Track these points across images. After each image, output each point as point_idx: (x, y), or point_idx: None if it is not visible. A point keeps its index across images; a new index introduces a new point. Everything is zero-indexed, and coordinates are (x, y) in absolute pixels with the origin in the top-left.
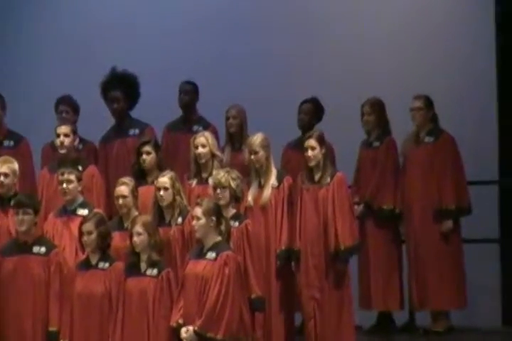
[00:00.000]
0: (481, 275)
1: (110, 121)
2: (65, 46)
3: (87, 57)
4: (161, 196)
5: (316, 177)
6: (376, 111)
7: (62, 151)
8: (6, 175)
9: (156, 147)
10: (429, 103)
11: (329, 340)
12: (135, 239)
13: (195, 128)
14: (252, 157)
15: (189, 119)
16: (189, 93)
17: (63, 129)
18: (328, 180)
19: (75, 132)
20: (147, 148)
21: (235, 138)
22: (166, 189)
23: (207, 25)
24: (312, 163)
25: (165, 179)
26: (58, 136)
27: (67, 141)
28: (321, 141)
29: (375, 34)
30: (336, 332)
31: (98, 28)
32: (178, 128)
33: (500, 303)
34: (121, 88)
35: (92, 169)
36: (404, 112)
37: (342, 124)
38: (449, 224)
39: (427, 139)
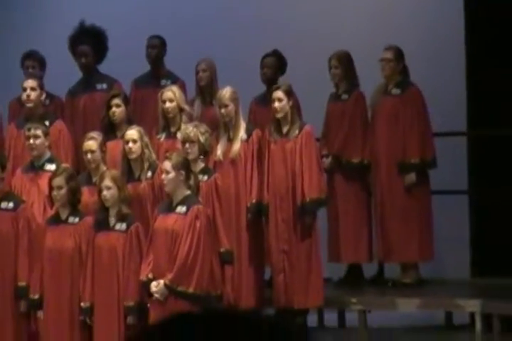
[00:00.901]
0: (449, 226)
1: (77, 76)
2: (30, 1)
3: (53, 11)
4: (130, 148)
5: (284, 129)
6: (343, 64)
7: (29, 105)
8: None
9: (126, 101)
10: (399, 55)
11: (298, 292)
12: (105, 193)
13: (163, 82)
14: (222, 110)
15: (157, 74)
16: (156, 47)
17: (30, 83)
18: (296, 132)
19: (41, 87)
20: (117, 100)
21: (206, 91)
22: (134, 141)
23: None
24: (279, 115)
25: (133, 131)
26: (25, 89)
27: (33, 94)
28: (288, 93)
29: None
30: (304, 284)
31: None
32: (146, 82)
33: (469, 255)
34: (90, 42)
35: (59, 124)
36: (376, 65)
37: (310, 77)
38: (411, 177)
39: (394, 91)
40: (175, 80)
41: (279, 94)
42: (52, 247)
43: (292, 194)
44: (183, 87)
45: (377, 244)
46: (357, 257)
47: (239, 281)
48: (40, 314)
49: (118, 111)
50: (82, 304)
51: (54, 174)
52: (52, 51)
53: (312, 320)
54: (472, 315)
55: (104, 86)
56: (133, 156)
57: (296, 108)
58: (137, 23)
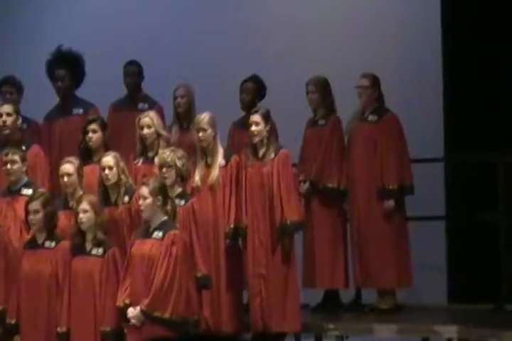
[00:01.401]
0: (427, 252)
1: (55, 100)
2: (14, 25)
3: (34, 36)
4: (106, 175)
5: (260, 153)
6: (320, 89)
7: (5, 132)
8: None
9: (103, 126)
10: (375, 82)
11: (275, 317)
12: (81, 216)
13: (140, 106)
14: (200, 134)
15: (134, 98)
16: (134, 75)
17: (5, 109)
18: (273, 155)
19: (17, 112)
20: (93, 126)
21: (183, 117)
22: (110, 168)
23: (153, 8)
24: (256, 139)
25: (109, 158)
26: (0, 115)
27: (9, 120)
28: (265, 117)
29: (321, 13)
30: (281, 309)
31: (47, 7)
32: (123, 106)
33: (446, 281)
34: (66, 67)
35: (35, 148)
36: (353, 91)
37: (289, 102)
38: (390, 203)
39: (371, 117)
40: (152, 104)
41: (256, 118)
42: (28, 272)
43: (270, 217)
44: (160, 111)
45: (355, 270)
46: (333, 283)
47: (218, 306)
48: (16, 339)
49: (95, 136)
50: (58, 329)
51: (30, 198)
52: (30, 75)
53: None
54: None
55: (81, 111)
56: (109, 183)
57: (273, 132)
58: (114, 46)
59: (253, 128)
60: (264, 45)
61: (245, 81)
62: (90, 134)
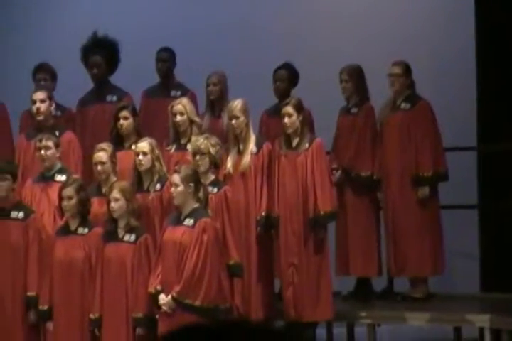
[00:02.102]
0: (459, 241)
1: (87, 86)
2: (42, 11)
3: (64, 22)
4: (140, 161)
5: (294, 143)
6: (353, 78)
7: (40, 118)
8: None
9: (134, 112)
10: (407, 69)
11: (307, 306)
12: (112, 204)
13: (173, 93)
14: (233, 122)
15: (167, 85)
16: (166, 60)
17: (39, 95)
18: (307, 145)
19: (51, 98)
20: (124, 113)
21: (216, 104)
22: (144, 154)
23: None
24: (289, 130)
25: (144, 144)
26: (34, 102)
27: (43, 106)
28: (298, 107)
29: (352, 1)
30: (313, 298)
31: None
32: (156, 94)
33: (479, 269)
34: (102, 53)
35: (69, 135)
36: (385, 78)
37: (322, 90)
38: (425, 190)
39: (404, 105)
40: (185, 91)
41: (288, 109)
42: (61, 258)
43: (303, 207)
44: (193, 99)
45: (389, 259)
46: (366, 271)
47: (248, 294)
48: (49, 325)
49: (126, 123)
50: (91, 315)
51: (64, 184)
52: (64, 62)
53: (321, 334)
54: (481, 330)
55: (115, 98)
56: (142, 168)
57: (306, 121)
58: (147, 33)
59: (286, 120)
60: (298, 33)
61: (278, 68)
62: (121, 121)
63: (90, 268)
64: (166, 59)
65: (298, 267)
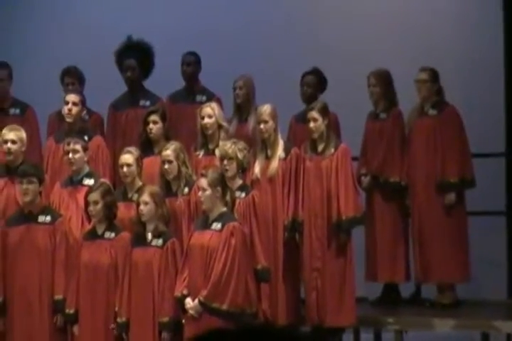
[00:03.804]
0: (487, 248)
1: (116, 91)
2: (73, 15)
3: (93, 26)
4: (166, 169)
5: (320, 147)
6: (381, 82)
7: (69, 120)
8: (13, 141)
9: (163, 117)
10: (434, 75)
11: (330, 311)
12: (142, 207)
13: (198, 98)
14: (262, 126)
15: (192, 90)
16: (192, 64)
17: (73, 97)
18: (332, 150)
19: (83, 103)
20: (154, 117)
21: (242, 109)
22: (170, 162)
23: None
24: (315, 135)
25: (168, 152)
26: (67, 103)
27: (74, 109)
28: (323, 112)
29: (382, 5)
30: (336, 303)
31: None
32: (181, 98)
33: (506, 276)
34: (136, 57)
35: (98, 139)
36: (411, 85)
37: (350, 95)
38: (451, 197)
39: (431, 112)
40: (210, 96)
41: (313, 114)
42: (88, 262)
43: (327, 211)
44: (219, 103)
45: (415, 265)
46: (393, 277)
47: (275, 299)
48: (75, 328)
49: (155, 127)
50: (118, 319)
51: (90, 189)
52: (91, 66)
53: (348, 339)
54: (509, 337)
55: (148, 103)
56: (170, 176)
57: (332, 126)
58: (172, 38)
59: (311, 124)
60: (326, 37)
61: (306, 74)
62: (151, 125)
63: (116, 272)
64: (191, 62)
65: (321, 272)
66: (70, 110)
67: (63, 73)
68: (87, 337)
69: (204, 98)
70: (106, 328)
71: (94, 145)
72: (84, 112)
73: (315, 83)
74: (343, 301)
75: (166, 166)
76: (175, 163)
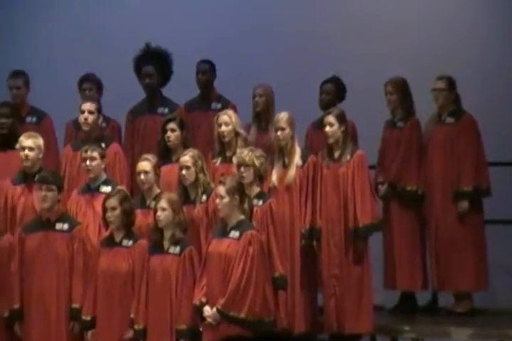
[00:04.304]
0: (504, 256)
1: (134, 98)
2: (90, 22)
3: (111, 33)
4: (183, 175)
5: (336, 154)
6: (398, 90)
7: (86, 128)
8: (30, 148)
9: (182, 125)
10: (451, 84)
11: (349, 318)
12: (159, 213)
13: (213, 105)
14: (279, 133)
15: (207, 97)
16: (206, 72)
17: (88, 106)
18: (348, 157)
19: (99, 110)
20: (172, 125)
21: (262, 116)
22: (187, 168)
23: (228, 4)
24: (330, 140)
25: (186, 158)
26: (83, 112)
27: (91, 118)
28: (340, 118)
29: (398, 14)
30: (355, 310)
31: (123, 7)
32: (196, 106)
33: None
34: (155, 64)
35: (115, 147)
36: (429, 93)
37: (367, 103)
38: (464, 204)
39: (448, 120)
40: (226, 104)
41: (330, 119)
42: (105, 270)
43: (344, 219)
44: (234, 110)
45: (432, 273)
46: (411, 285)
47: (292, 307)
48: (89, 335)
49: (173, 135)
50: (135, 326)
51: (108, 196)
52: (109, 74)
53: None
54: None
55: (166, 110)
56: (187, 183)
57: (349, 134)
58: (188, 45)
59: (327, 129)
60: (343, 46)
61: (325, 82)
62: (169, 133)
63: (133, 280)
64: (206, 70)
65: (340, 279)
66: (86, 119)
67: (81, 80)
68: None
69: (219, 105)
70: (121, 336)
71: (111, 153)
72: (101, 119)
73: (334, 91)
74: (361, 308)
75: (184, 172)
76: (192, 169)
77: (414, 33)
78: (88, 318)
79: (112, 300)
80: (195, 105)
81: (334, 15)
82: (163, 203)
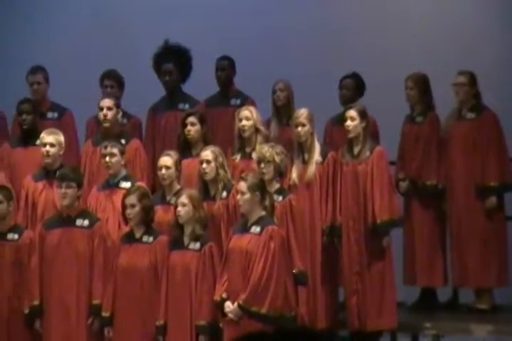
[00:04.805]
0: None
1: (155, 94)
2: (108, 19)
3: (129, 31)
4: (204, 169)
5: (356, 150)
6: (418, 85)
7: (106, 125)
8: (51, 145)
9: (202, 119)
10: (472, 79)
11: (371, 315)
12: (179, 209)
13: (233, 101)
14: (299, 129)
15: (227, 94)
16: (225, 69)
17: (106, 103)
18: (368, 154)
19: (117, 106)
20: (192, 119)
21: (282, 112)
22: (208, 162)
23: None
24: (351, 135)
25: (207, 152)
26: (101, 109)
27: (110, 114)
28: (361, 113)
29: (419, 8)
30: (377, 307)
31: (142, 3)
32: (216, 103)
33: None
34: (174, 61)
35: (135, 142)
36: (450, 88)
37: (387, 99)
38: (492, 200)
39: (469, 115)
40: (245, 99)
41: (352, 113)
42: (125, 266)
43: (364, 215)
44: (253, 106)
45: (453, 269)
46: (431, 281)
47: (313, 303)
48: (108, 331)
49: (193, 129)
50: (156, 322)
51: (127, 192)
52: (133, 70)
53: None
54: None
55: (187, 106)
56: (207, 177)
57: (369, 130)
58: (208, 41)
59: (348, 123)
60: (363, 41)
61: (345, 77)
62: (189, 127)
63: (155, 276)
64: (225, 67)
65: (361, 275)
66: (105, 115)
67: (103, 76)
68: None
69: (239, 101)
70: (143, 332)
71: (131, 149)
72: (120, 114)
73: (354, 86)
74: (383, 305)
75: (204, 166)
76: (213, 164)
77: (437, 28)
78: (107, 314)
79: (131, 297)
80: (215, 101)
81: (356, 11)
82: (183, 199)
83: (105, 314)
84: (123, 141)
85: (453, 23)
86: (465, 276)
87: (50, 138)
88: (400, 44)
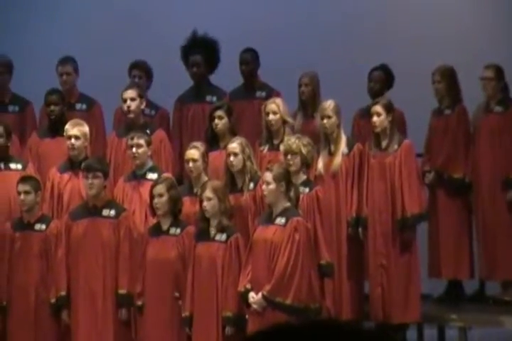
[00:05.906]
0: None
1: (183, 85)
2: (134, 10)
3: (155, 22)
4: (231, 161)
5: (383, 144)
6: (446, 78)
7: (130, 116)
8: (76, 137)
9: (229, 112)
10: (500, 73)
11: (395, 307)
12: (205, 203)
13: (258, 94)
14: (325, 121)
15: (252, 86)
16: (249, 62)
17: (129, 94)
18: (396, 147)
19: (141, 96)
20: (219, 112)
21: (308, 104)
22: (235, 154)
23: None
24: (377, 129)
25: (234, 145)
26: (125, 100)
27: (133, 105)
28: (387, 108)
29: (448, 2)
30: (402, 299)
31: None
32: (240, 95)
33: None
34: (202, 52)
35: (160, 133)
36: (477, 81)
37: (415, 92)
38: None
39: (497, 109)
40: (270, 92)
41: (377, 108)
42: (154, 258)
43: (391, 208)
44: (279, 98)
45: (480, 262)
46: (457, 273)
47: (339, 295)
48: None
49: (221, 122)
50: (182, 314)
51: (155, 182)
52: (158, 62)
53: (412, 336)
54: None
55: (214, 98)
56: (235, 169)
57: (397, 123)
58: (234, 33)
59: (374, 118)
60: (392, 34)
61: (374, 69)
62: (216, 120)
63: (184, 268)
64: (249, 60)
65: (386, 268)
66: (129, 106)
67: (131, 66)
68: (152, 332)
69: (264, 94)
70: (171, 323)
71: (156, 140)
72: (143, 105)
73: (382, 79)
74: (408, 297)
75: (232, 158)
76: (240, 156)
77: (467, 20)
78: (140, 303)
79: (161, 289)
80: (240, 94)
81: (384, 2)
82: (208, 193)
83: (138, 303)
84: (148, 132)
85: (480, 17)
86: (492, 269)
87: (75, 131)
88: (428, 37)
